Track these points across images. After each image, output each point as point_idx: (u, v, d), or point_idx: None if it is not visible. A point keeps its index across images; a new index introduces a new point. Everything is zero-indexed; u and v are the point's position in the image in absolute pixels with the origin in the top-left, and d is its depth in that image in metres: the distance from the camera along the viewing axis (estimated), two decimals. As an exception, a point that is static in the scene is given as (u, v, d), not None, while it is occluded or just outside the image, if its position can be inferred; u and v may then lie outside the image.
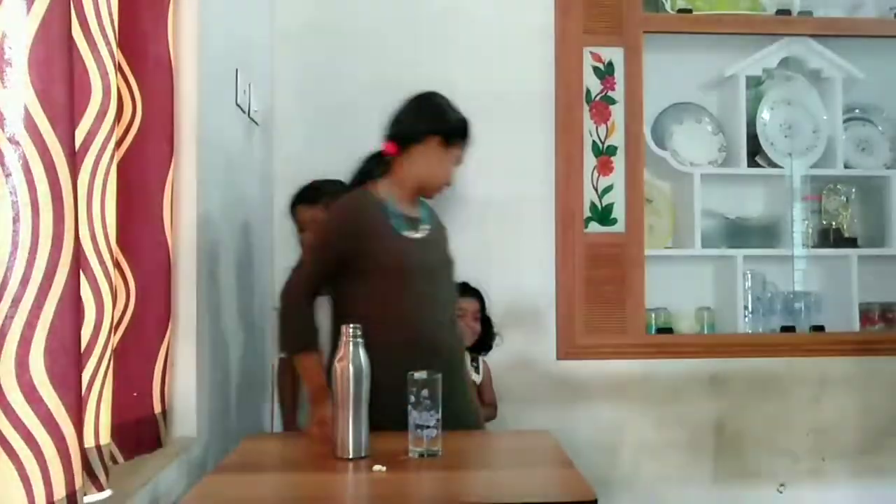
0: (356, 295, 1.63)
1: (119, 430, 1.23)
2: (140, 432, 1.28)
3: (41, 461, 0.81)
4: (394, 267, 1.63)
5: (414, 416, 1.33)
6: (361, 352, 1.37)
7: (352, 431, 1.35)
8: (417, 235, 1.68)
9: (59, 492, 0.83)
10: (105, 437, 1.09)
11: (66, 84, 0.85)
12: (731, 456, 2.53)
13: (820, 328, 2.60)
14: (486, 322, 2.30)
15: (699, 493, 2.51)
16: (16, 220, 0.80)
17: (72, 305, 0.85)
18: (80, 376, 0.88)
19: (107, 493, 1.09)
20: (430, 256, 1.70)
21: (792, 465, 2.54)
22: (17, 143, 0.80)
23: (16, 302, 0.79)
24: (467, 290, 2.28)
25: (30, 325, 0.80)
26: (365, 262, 1.61)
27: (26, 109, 0.80)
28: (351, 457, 1.34)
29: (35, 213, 0.81)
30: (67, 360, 0.84)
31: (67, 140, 0.85)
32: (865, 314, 2.65)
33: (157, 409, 1.31)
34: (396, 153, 1.69)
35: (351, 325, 1.38)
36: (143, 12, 1.28)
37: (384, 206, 1.66)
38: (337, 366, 1.37)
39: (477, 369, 2.31)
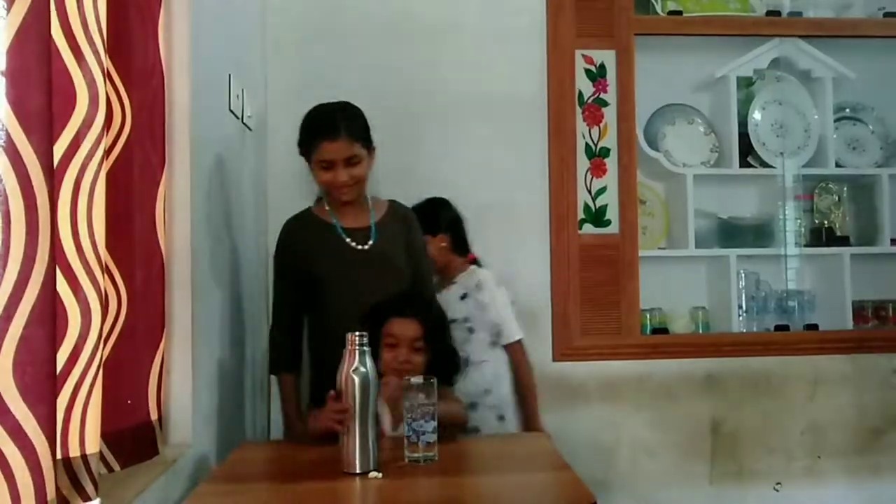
0: (316, 309, 1.76)
1: (114, 439, 1.22)
2: (136, 440, 1.27)
3: (7, 473, 0.80)
4: (334, 282, 1.72)
5: (410, 423, 1.33)
6: (368, 360, 1.31)
7: (359, 444, 1.28)
8: (357, 246, 1.75)
9: (28, 503, 0.81)
10: (92, 447, 1.08)
11: (43, 93, 0.83)
12: (727, 455, 2.53)
13: (814, 326, 2.61)
14: (439, 351, 1.62)
15: (696, 492, 2.51)
16: (-15, 231, 0.79)
17: (45, 318, 0.83)
18: (55, 388, 0.87)
19: (95, 502, 1.08)
20: (368, 265, 1.73)
21: (787, 463, 2.55)
22: (-13, 153, 0.79)
23: None
24: (390, 310, 1.60)
25: None
26: (313, 277, 1.73)
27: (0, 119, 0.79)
28: (358, 471, 1.27)
29: (6, 225, 0.80)
30: (40, 373, 0.83)
31: (44, 150, 0.84)
32: (858, 312, 2.66)
33: (154, 416, 1.30)
34: None
35: (357, 333, 1.32)
36: (132, 20, 1.27)
37: (320, 220, 1.77)
38: (340, 376, 1.31)
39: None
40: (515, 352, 2.15)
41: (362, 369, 1.31)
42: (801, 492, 2.54)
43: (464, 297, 2.12)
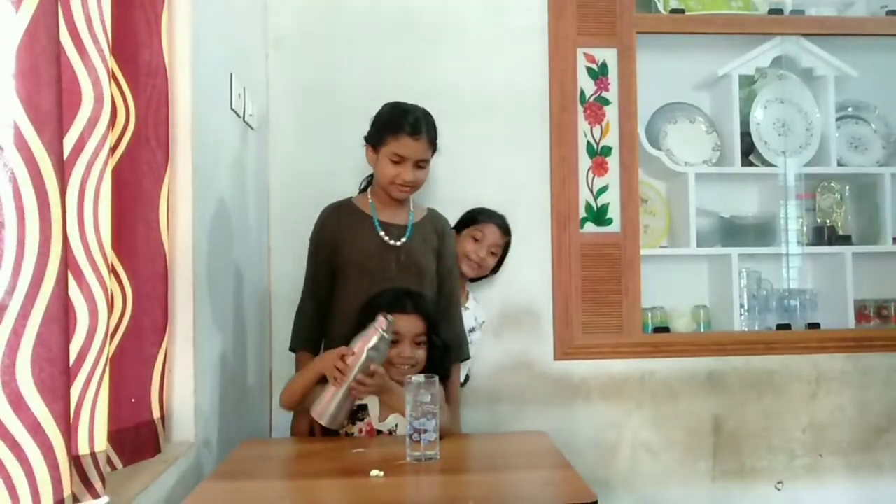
0: (335, 293, 1.81)
1: (118, 436, 1.23)
2: (139, 438, 1.28)
3: (27, 469, 0.81)
4: (357, 268, 1.77)
5: (412, 421, 1.33)
6: (384, 346, 1.46)
7: (336, 403, 1.45)
8: (391, 242, 1.78)
9: (47, 500, 0.83)
10: (100, 444, 1.09)
11: (53, 92, 0.84)
12: (729, 453, 2.54)
13: (815, 325, 2.61)
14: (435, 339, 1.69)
15: (698, 491, 2.52)
16: (1, 228, 0.79)
17: (59, 314, 0.84)
18: (69, 384, 0.88)
19: (103, 499, 1.08)
20: (395, 262, 1.78)
21: (789, 461, 2.55)
22: (1, 151, 0.79)
23: (1, 310, 0.79)
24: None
25: (16, 334, 0.80)
26: (341, 261, 1.79)
27: (11, 117, 0.80)
28: (325, 423, 1.45)
29: (21, 222, 0.81)
30: (55, 369, 0.84)
31: (54, 148, 0.85)
32: (860, 311, 2.66)
33: (157, 414, 1.31)
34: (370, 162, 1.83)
35: (388, 318, 1.47)
36: (135, 19, 1.27)
37: (360, 212, 1.82)
38: (357, 343, 1.46)
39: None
40: (458, 372, 1.95)
41: (377, 353, 1.45)
42: (802, 490, 2.55)
43: (471, 331, 2.17)
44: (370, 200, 1.84)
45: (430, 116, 1.80)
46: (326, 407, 1.47)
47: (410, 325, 1.62)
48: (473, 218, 2.19)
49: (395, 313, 1.58)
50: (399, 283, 1.71)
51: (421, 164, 1.77)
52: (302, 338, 1.84)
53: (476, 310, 2.23)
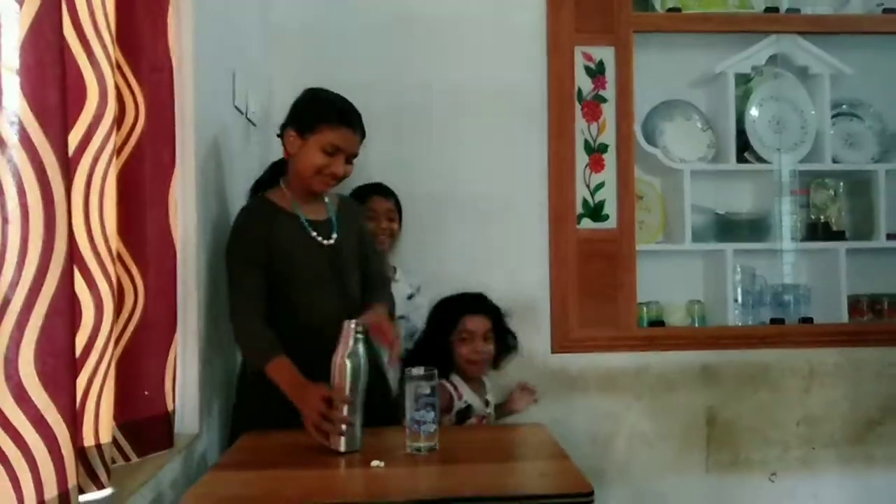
0: (273, 298, 1.61)
1: (131, 428, 1.25)
2: (152, 430, 1.29)
3: (30, 461, 0.81)
4: (296, 278, 1.61)
5: (411, 412, 1.36)
6: (361, 348, 1.37)
7: (346, 426, 1.35)
8: (324, 241, 1.63)
9: (51, 491, 0.83)
10: (106, 437, 1.10)
11: (57, 88, 0.84)
12: (723, 446, 2.57)
13: (809, 320, 2.63)
14: (502, 336, 2.05)
15: (692, 482, 2.55)
16: (5, 223, 0.80)
17: (64, 308, 0.85)
18: (74, 377, 0.89)
19: (108, 491, 1.10)
20: (329, 263, 1.63)
21: (783, 454, 2.58)
22: (5, 147, 0.80)
23: (5, 304, 0.80)
24: (474, 308, 2.04)
25: (19, 328, 0.81)
26: (272, 264, 1.60)
27: (15, 114, 0.80)
28: (343, 451, 1.34)
29: (25, 217, 0.81)
30: (60, 362, 0.84)
31: (59, 144, 0.85)
32: (854, 306, 2.68)
33: (170, 407, 1.33)
34: (285, 153, 1.66)
35: (353, 321, 1.39)
36: (140, 15, 1.28)
37: (281, 209, 1.63)
38: (336, 360, 1.37)
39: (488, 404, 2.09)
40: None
41: (357, 355, 1.37)
42: (795, 481, 2.58)
43: (410, 296, 2.19)
44: (289, 196, 1.64)
45: (354, 107, 1.66)
46: (339, 437, 1.36)
47: (480, 324, 1.98)
48: (358, 199, 2.07)
49: (468, 315, 1.96)
50: (333, 287, 1.61)
51: (350, 159, 1.62)
52: (273, 345, 1.54)
53: (406, 278, 2.23)
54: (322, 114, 1.60)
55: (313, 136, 1.59)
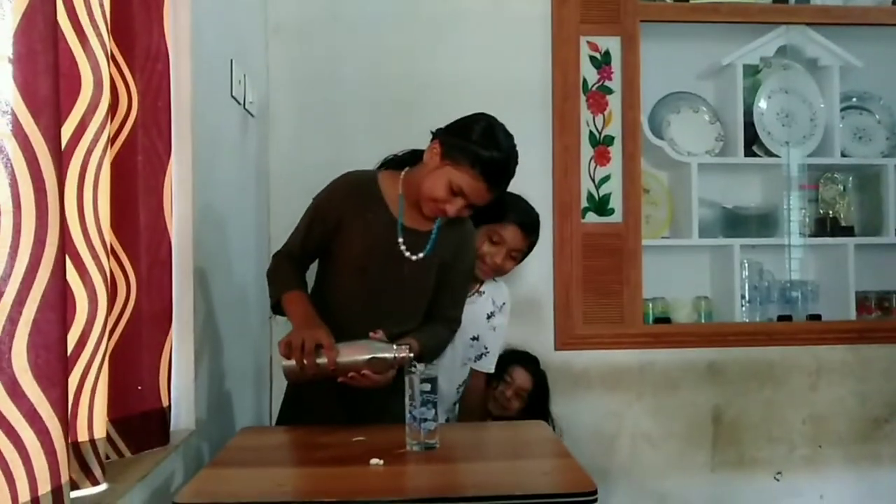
0: (322, 274, 1.61)
1: (126, 424, 1.23)
2: (147, 426, 1.28)
3: (24, 456, 0.81)
4: (354, 266, 1.54)
5: (412, 410, 1.33)
6: (388, 357, 1.40)
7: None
8: (409, 255, 1.53)
9: (44, 486, 0.83)
10: (100, 432, 1.09)
11: (50, 78, 0.84)
12: (729, 444, 2.54)
13: (816, 317, 2.61)
14: (533, 408, 2.10)
15: (697, 481, 2.53)
16: (-4, 215, 0.79)
17: (57, 301, 0.84)
18: (67, 371, 0.88)
19: (102, 486, 1.09)
20: (399, 276, 1.53)
21: (788, 452, 2.56)
22: (-4, 137, 0.78)
23: None
24: (527, 362, 2.18)
25: (11, 321, 0.80)
26: (340, 243, 1.54)
27: (8, 104, 0.79)
28: (284, 369, 1.41)
29: (17, 209, 0.80)
30: (52, 356, 0.84)
31: (52, 135, 0.84)
32: (862, 303, 2.66)
33: (165, 402, 1.31)
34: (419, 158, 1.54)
35: (411, 356, 1.39)
36: (137, 2, 1.26)
37: (382, 201, 1.54)
38: (361, 345, 1.40)
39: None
40: (480, 380, 2.01)
41: (377, 360, 1.39)
42: (801, 481, 2.56)
43: (490, 315, 1.96)
44: (400, 193, 1.54)
45: (515, 162, 1.49)
46: (294, 362, 1.41)
47: (521, 377, 2.16)
48: (497, 212, 1.81)
49: (518, 366, 2.15)
50: (404, 303, 1.55)
51: (471, 206, 1.48)
52: (288, 283, 1.54)
53: (494, 291, 1.98)
54: (474, 154, 1.43)
55: (452, 167, 1.44)
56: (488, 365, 2.00)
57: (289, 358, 1.42)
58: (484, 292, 1.95)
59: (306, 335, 1.40)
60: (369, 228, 1.52)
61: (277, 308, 1.58)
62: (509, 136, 1.50)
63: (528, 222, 1.91)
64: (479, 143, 1.45)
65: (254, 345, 2.14)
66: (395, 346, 1.41)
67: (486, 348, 1.98)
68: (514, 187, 2.43)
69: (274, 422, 2.26)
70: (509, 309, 2.02)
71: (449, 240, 1.57)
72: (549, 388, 2.24)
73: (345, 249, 1.54)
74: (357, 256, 1.53)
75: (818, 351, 2.57)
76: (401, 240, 1.52)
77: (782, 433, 2.55)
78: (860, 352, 2.57)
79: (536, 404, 2.14)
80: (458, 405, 2.01)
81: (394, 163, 1.63)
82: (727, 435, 2.54)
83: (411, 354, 1.40)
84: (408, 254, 1.52)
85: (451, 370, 1.91)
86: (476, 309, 1.89)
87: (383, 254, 1.53)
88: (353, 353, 1.40)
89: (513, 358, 2.17)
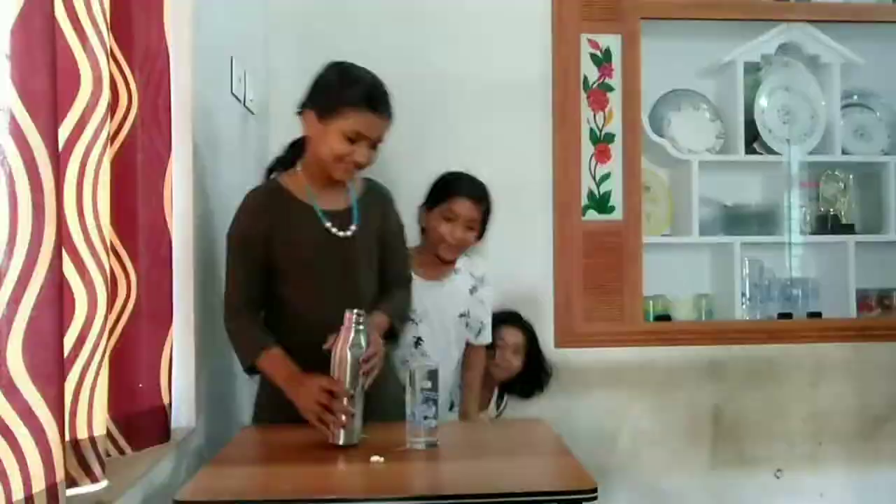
0: (277, 293, 1.54)
1: (126, 422, 1.23)
2: (148, 424, 1.28)
3: (18, 454, 0.81)
4: (299, 269, 1.52)
5: (412, 408, 1.33)
6: (362, 339, 1.34)
7: (346, 418, 1.33)
8: (340, 233, 1.51)
9: (38, 484, 0.83)
10: (100, 429, 1.09)
11: (48, 75, 0.83)
12: (729, 442, 2.54)
13: (817, 314, 2.61)
14: (532, 359, 2.22)
15: (697, 479, 2.53)
16: (-9, 213, 0.78)
17: (53, 300, 0.84)
18: (63, 370, 0.88)
19: (102, 484, 1.09)
20: (343, 256, 1.52)
21: (789, 450, 2.56)
22: (-9, 135, 0.78)
23: None
24: (512, 319, 2.21)
25: (7, 320, 0.80)
26: (278, 258, 1.51)
27: (5, 102, 0.79)
28: (342, 443, 1.32)
29: (13, 207, 0.80)
30: (48, 354, 0.84)
31: (49, 132, 0.84)
32: (862, 300, 2.66)
33: (166, 400, 1.31)
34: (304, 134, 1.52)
35: (355, 311, 1.34)
36: (136, 0, 1.26)
37: (294, 198, 1.52)
38: (336, 351, 1.33)
39: (498, 406, 2.21)
40: (480, 353, 2.05)
41: (359, 346, 1.34)
42: (801, 478, 2.56)
43: (473, 290, 1.98)
44: (305, 184, 1.52)
45: (385, 86, 1.51)
46: (338, 430, 1.33)
47: (512, 336, 2.16)
48: (442, 193, 1.90)
49: (504, 326, 2.11)
50: (343, 283, 1.51)
51: (376, 144, 1.48)
52: (259, 342, 1.50)
53: (470, 266, 1.99)
54: (346, 96, 1.44)
55: (335, 120, 1.43)
56: (487, 337, 2.03)
57: (327, 425, 1.35)
58: (459, 269, 1.97)
59: (312, 400, 1.34)
60: (296, 230, 1.51)
61: (253, 370, 1.54)
62: (361, 67, 1.52)
63: (475, 192, 1.92)
64: (346, 82, 1.47)
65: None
66: (360, 333, 1.35)
67: (481, 322, 2.00)
68: (514, 184, 2.46)
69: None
70: (491, 278, 2.03)
71: (372, 208, 1.58)
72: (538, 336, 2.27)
73: (283, 262, 1.52)
74: (297, 260, 1.52)
75: (818, 349, 2.56)
76: (328, 224, 1.51)
77: (782, 431, 2.55)
78: (861, 349, 2.57)
79: (534, 355, 2.22)
80: (460, 387, 2.04)
81: (281, 164, 1.63)
82: (727, 433, 2.54)
83: (359, 314, 1.35)
84: (340, 233, 1.52)
85: (447, 351, 1.94)
86: (456, 287, 1.94)
87: (319, 245, 1.52)
88: (342, 372, 1.35)
89: (497, 320, 2.11)
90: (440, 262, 1.92)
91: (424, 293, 1.84)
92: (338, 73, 1.50)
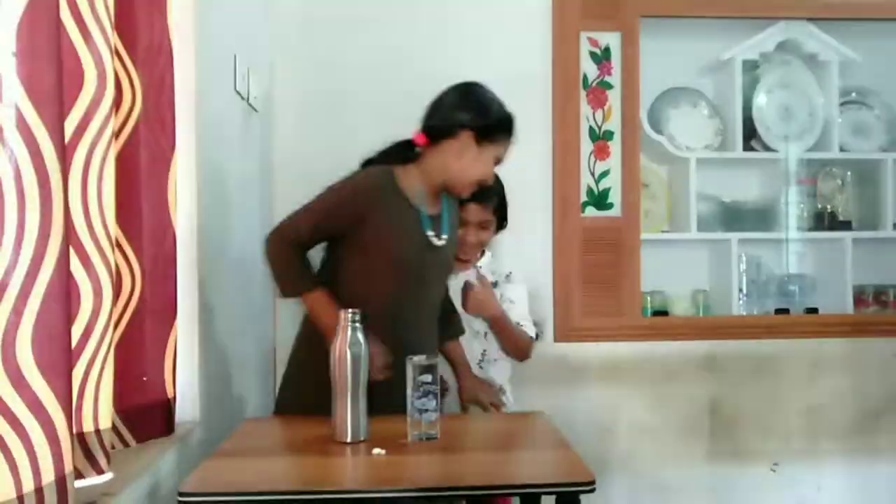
0: (347, 265, 1.58)
1: (131, 414, 1.25)
2: (152, 416, 1.29)
3: (28, 446, 0.82)
4: (394, 259, 1.56)
5: (412, 400, 1.35)
6: (360, 336, 1.37)
7: (350, 416, 1.35)
8: (437, 242, 1.61)
9: (48, 476, 0.84)
10: (105, 422, 1.10)
11: (54, 72, 0.84)
12: (726, 436, 2.56)
13: (814, 310, 2.62)
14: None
15: (694, 472, 2.55)
16: (1, 208, 0.79)
17: (61, 293, 0.85)
18: (71, 362, 0.89)
19: (107, 476, 1.10)
20: (432, 264, 1.62)
21: (785, 444, 2.58)
22: (1, 131, 0.79)
23: (2, 289, 0.79)
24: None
25: (16, 313, 0.80)
26: (368, 240, 1.55)
27: (11, 98, 0.79)
28: (349, 440, 1.35)
29: (21, 202, 0.81)
30: (56, 347, 0.84)
31: (55, 128, 0.84)
32: (859, 296, 2.67)
33: (170, 394, 1.32)
34: (426, 144, 1.60)
35: (349, 311, 1.37)
36: (139, -2, 1.27)
37: (404, 195, 1.59)
38: (335, 350, 1.36)
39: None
40: (526, 342, 2.00)
41: (357, 345, 1.36)
42: (798, 472, 2.58)
43: (494, 286, 1.94)
44: (419, 187, 1.60)
45: None
46: (345, 427, 1.36)
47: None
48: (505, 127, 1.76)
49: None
50: (429, 289, 1.62)
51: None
52: (306, 281, 1.56)
53: (490, 265, 1.99)
54: (502, 125, 1.59)
55: (492, 145, 1.57)
56: (529, 331, 1.97)
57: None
58: (481, 266, 1.94)
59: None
60: (398, 225, 1.57)
61: (290, 296, 1.60)
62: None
63: (480, 194, 1.83)
64: (499, 112, 1.61)
65: (258, 336, 2.16)
66: (356, 331, 1.37)
67: (518, 323, 1.95)
68: (513, 181, 2.47)
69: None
70: (520, 276, 2.01)
71: (453, 219, 1.70)
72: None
73: (369, 244, 1.56)
74: (386, 250, 1.56)
75: (815, 344, 2.58)
76: (430, 232, 1.60)
77: (779, 425, 2.57)
78: (858, 345, 2.59)
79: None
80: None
81: (387, 157, 1.67)
82: (724, 427, 2.56)
83: (353, 312, 1.37)
84: (437, 241, 1.61)
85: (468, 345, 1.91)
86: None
87: (417, 247, 1.59)
88: (342, 370, 1.36)
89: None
90: (458, 262, 1.87)
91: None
92: (495, 102, 1.63)
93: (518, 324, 1.94)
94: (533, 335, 1.99)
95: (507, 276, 1.98)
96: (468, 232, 1.87)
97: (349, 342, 1.36)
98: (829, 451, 2.58)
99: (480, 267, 1.96)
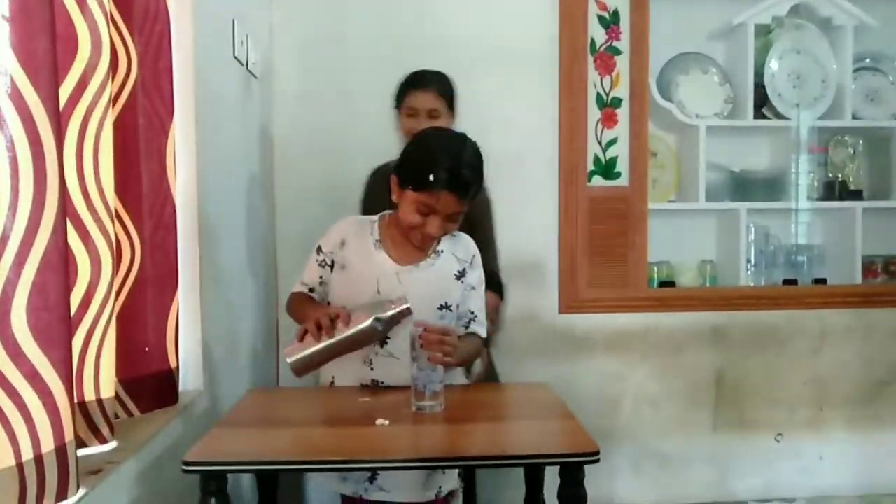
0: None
1: (134, 385, 1.25)
2: (156, 387, 1.30)
3: (26, 416, 0.82)
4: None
5: (416, 371, 1.34)
6: (381, 326, 1.37)
7: (310, 351, 1.35)
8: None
9: (47, 445, 0.84)
10: (107, 392, 1.11)
11: (47, 37, 0.82)
12: (731, 406, 2.57)
13: (822, 281, 2.60)
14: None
15: (699, 442, 2.56)
16: (-7, 178, 0.78)
17: (57, 263, 0.84)
18: (70, 332, 0.89)
19: (111, 445, 1.11)
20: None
21: (790, 414, 2.58)
22: (-8, 100, 0.78)
23: None
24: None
25: (10, 283, 0.80)
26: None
27: (3, 65, 0.78)
28: (292, 366, 1.35)
29: (14, 171, 0.80)
30: (53, 317, 0.84)
31: (49, 96, 0.83)
32: (868, 267, 2.65)
33: (173, 364, 1.32)
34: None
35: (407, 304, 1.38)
36: (133, -39, 1.23)
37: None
38: (362, 310, 1.37)
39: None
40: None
41: (377, 323, 1.36)
42: (802, 442, 2.58)
43: (460, 275, 1.55)
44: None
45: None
46: (300, 350, 1.37)
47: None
48: (420, 176, 1.43)
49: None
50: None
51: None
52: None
53: (454, 247, 1.57)
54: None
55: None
56: (480, 329, 1.60)
57: (302, 340, 1.39)
58: (441, 251, 1.55)
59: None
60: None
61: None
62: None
63: (455, 184, 1.46)
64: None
65: (261, 306, 2.16)
66: (391, 303, 1.39)
67: (471, 312, 1.58)
68: (519, 149, 2.44)
69: (281, 382, 2.30)
70: (478, 259, 1.64)
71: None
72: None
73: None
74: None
75: (823, 314, 2.57)
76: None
77: (784, 395, 2.57)
78: (865, 316, 2.57)
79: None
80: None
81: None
82: (729, 397, 2.56)
83: (408, 305, 1.38)
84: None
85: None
86: (437, 273, 1.54)
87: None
88: (356, 322, 1.37)
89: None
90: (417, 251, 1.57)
91: (394, 280, 1.50)
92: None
93: (470, 312, 1.58)
94: (483, 335, 1.62)
95: (472, 261, 1.60)
96: (432, 222, 1.46)
97: (373, 315, 1.38)
98: (833, 421, 2.59)
99: (441, 251, 1.56)
